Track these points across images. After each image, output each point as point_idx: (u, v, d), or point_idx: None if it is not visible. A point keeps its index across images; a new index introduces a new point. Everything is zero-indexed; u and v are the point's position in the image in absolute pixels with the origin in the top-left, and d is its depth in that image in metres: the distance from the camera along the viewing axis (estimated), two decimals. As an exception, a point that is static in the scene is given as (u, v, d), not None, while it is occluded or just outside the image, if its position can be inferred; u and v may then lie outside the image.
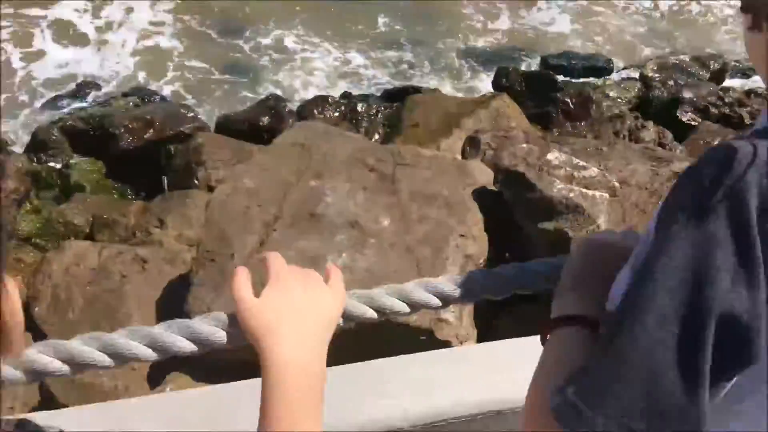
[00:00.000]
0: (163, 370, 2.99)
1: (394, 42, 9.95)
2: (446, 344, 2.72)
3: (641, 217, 3.75)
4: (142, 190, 6.62)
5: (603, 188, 2.99)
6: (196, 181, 5.81)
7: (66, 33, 9.31)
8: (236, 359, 2.86)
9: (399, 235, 3.10)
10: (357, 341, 2.84)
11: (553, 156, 3.10)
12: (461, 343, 2.77)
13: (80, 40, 9.35)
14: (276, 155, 3.55)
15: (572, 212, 2.92)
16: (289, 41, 9.77)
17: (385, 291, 0.94)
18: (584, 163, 3.09)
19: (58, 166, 7.08)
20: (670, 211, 0.75)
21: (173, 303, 3.32)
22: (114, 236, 5.22)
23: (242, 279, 0.92)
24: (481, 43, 10.12)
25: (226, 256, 3.03)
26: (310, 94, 9.23)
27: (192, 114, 7.21)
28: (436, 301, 0.95)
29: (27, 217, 5.75)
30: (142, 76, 9.09)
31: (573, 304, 0.93)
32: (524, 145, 3.25)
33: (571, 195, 2.91)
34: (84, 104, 8.58)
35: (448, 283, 0.96)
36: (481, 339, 3.02)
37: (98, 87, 8.84)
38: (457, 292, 0.96)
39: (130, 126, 6.75)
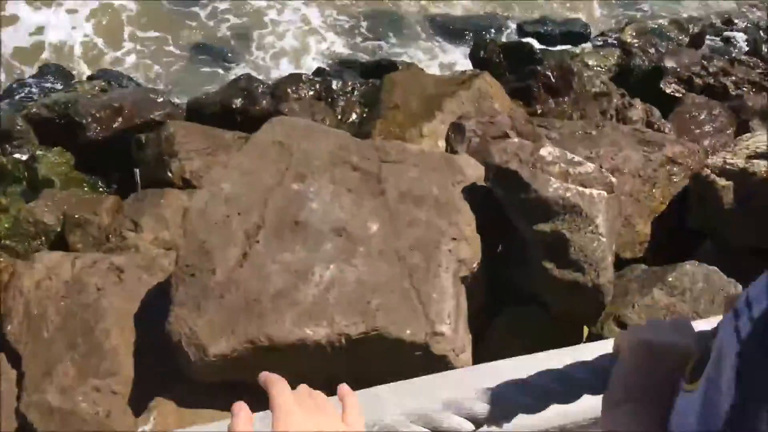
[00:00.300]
0: (146, 393, 2.85)
1: (362, 12, 9.70)
2: (443, 359, 2.60)
3: (635, 206, 3.65)
4: (113, 182, 6.39)
5: (600, 185, 2.86)
6: (169, 174, 5.60)
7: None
8: (221, 382, 2.73)
9: (388, 241, 2.96)
10: (348, 356, 2.72)
11: (547, 151, 2.96)
12: (458, 356, 2.66)
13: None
14: (255, 156, 3.37)
15: (569, 212, 2.79)
16: (249, 4, 9.55)
17: (409, 419, 0.80)
18: (579, 159, 2.96)
19: (24, 157, 6.80)
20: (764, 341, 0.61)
21: (153, 317, 3.16)
22: (87, 236, 5.02)
23: (242, 422, 0.76)
24: (448, 9, 9.89)
25: (207, 271, 2.87)
26: (276, 66, 9.05)
27: (161, 99, 6.95)
28: (469, 426, 0.81)
29: (-6, 217, 5.51)
30: (100, 42, 8.94)
31: (628, 421, 0.81)
32: (516, 140, 3.10)
33: (568, 195, 2.78)
34: (48, 86, 8.25)
35: (478, 402, 0.82)
36: (475, 348, 2.91)
37: (61, 70, 8.52)
38: (490, 412, 0.82)
39: (97, 115, 6.49)
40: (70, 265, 3.59)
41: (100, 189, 6.33)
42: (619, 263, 3.46)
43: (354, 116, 7.12)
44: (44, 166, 6.30)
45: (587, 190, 2.81)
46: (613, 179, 2.92)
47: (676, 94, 5.96)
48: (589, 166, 2.90)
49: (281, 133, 3.48)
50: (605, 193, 2.83)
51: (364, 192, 3.19)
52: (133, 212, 4.25)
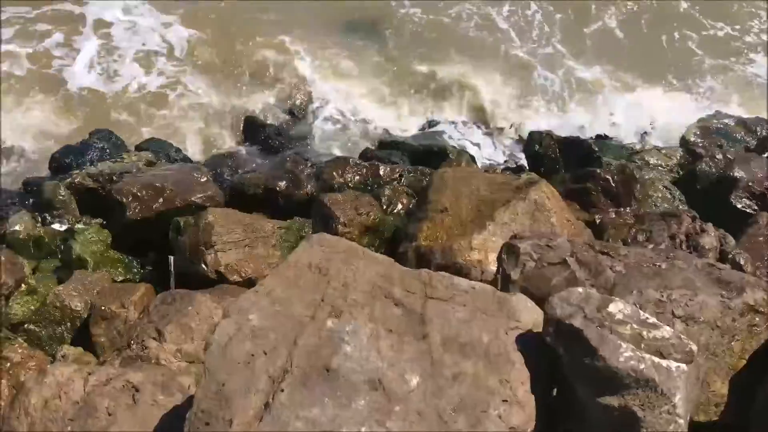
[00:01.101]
0: None
1: (415, 95, 9.64)
2: None
3: (712, 362, 3.22)
4: (148, 263, 6.20)
5: (679, 353, 2.47)
6: (203, 266, 5.39)
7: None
8: None
9: (429, 400, 2.60)
10: None
11: (617, 308, 2.59)
12: None
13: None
14: (289, 280, 3.07)
15: (642, 387, 2.40)
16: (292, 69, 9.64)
17: None
18: (654, 320, 2.58)
19: (63, 228, 6.69)
20: None
21: (163, 456, 2.85)
22: (111, 330, 4.80)
23: None
24: (499, 95, 9.71)
25: (223, 422, 2.54)
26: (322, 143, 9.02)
27: (205, 179, 6.79)
28: None
29: (22, 299, 5.34)
30: (138, 79, 9.22)
31: None
32: (580, 290, 2.74)
33: (642, 367, 2.40)
34: (96, 154, 8.14)
35: None
36: None
37: (112, 136, 8.43)
38: None
39: (138, 194, 6.35)
40: (82, 382, 3.31)
41: (135, 270, 6.15)
42: (692, 427, 3.01)
43: (400, 206, 6.82)
44: (80, 244, 6.14)
45: (664, 362, 2.42)
46: (694, 347, 2.52)
47: (748, 210, 5.54)
48: (667, 331, 2.52)
49: (320, 256, 3.19)
50: (685, 366, 2.44)
51: (405, 334, 2.85)
52: (158, 317, 3.99)
